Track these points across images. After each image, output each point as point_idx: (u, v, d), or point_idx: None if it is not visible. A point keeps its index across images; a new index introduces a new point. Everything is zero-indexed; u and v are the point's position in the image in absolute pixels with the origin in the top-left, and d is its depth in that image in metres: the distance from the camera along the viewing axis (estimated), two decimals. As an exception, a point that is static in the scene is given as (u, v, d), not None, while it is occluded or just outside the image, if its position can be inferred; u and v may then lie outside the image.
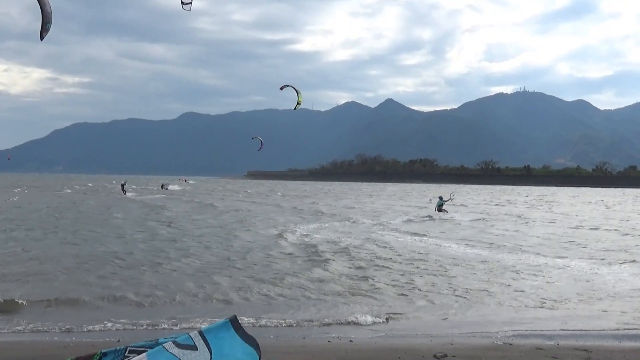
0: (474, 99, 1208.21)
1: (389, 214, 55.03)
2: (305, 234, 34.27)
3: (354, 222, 44.85)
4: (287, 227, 38.67)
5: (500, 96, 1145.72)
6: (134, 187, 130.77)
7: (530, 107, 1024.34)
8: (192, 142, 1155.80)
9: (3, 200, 67.92)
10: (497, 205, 76.56)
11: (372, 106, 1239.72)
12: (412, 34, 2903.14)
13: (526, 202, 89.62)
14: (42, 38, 12.65)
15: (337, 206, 68.79)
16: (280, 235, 32.90)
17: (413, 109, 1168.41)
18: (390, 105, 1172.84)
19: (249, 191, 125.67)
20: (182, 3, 13.86)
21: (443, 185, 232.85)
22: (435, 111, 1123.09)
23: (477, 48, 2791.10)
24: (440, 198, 54.30)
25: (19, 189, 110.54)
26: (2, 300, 15.17)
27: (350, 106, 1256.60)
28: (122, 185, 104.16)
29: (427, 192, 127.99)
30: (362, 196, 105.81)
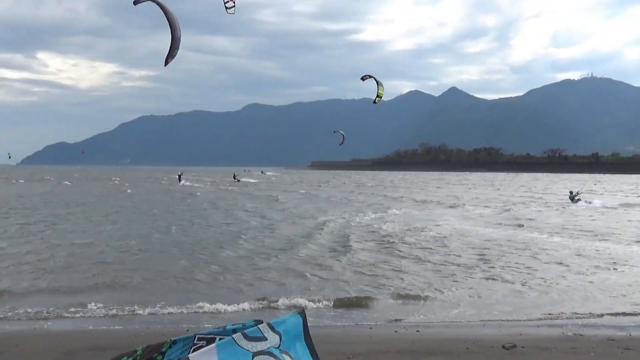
0: (539, 85, 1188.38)
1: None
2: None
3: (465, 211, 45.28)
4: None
5: (566, 82, 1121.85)
6: (217, 180, 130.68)
7: (598, 93, 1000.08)
8: (255, 134, 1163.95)
9: (118, 192, 70.23)
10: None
11: (436, 95, 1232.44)
12: (476, 21, 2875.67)
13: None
14: (166, 64, 12.52)
15: (441, 195, 69.97)
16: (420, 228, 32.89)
17: (477, 97, 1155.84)
18: (454, 93, 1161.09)
19: (333, 180, 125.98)
20: (226, 8, 13.74)
21: (511, 173, 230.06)
22: (500, 99, 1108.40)
23: (543, 34, 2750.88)
24: (571, 192, 57.82)
25: (117, 180, 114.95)
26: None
27: (414, 95, 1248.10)
28: (179, 176, 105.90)
29: (509, 182, 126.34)
30: (450, 185, 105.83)
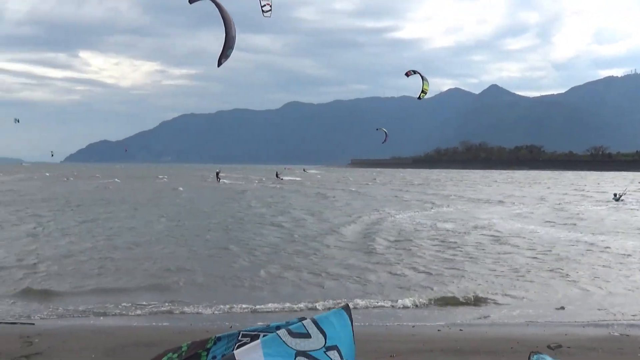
0: (581, 82, 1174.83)
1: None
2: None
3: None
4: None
5: (610, 79, 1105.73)
6: (264, 178, 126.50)
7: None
8: (295, 132, 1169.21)
9: (171, 191, 70.34)
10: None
11: (476, 92, 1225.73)
12: (517, 18, 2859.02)
13: None
14: (219, 64, 12.30)
15: (491, 193, 69.78)
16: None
17: (518, 95, 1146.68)
18: (494, 91, 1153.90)
19: (379, 178, 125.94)
20: (263, 12, 13.65)
21: (554, 171, 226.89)
22: (542, 96, 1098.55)
23: (585, 30, 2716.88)
24: (615, 195, 58.65)
25: (166, 178, 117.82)
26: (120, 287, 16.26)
27: (454, 93, 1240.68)
28: (217, 174, 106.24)
29: (555, 180, 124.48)
30: (498, 184, 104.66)
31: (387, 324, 12.67)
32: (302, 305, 14.17)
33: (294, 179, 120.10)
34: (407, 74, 23.95)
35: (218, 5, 11.88)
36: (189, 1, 11.82)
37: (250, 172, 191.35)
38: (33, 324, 12.01)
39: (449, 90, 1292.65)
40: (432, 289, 16.26)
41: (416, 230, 30.57)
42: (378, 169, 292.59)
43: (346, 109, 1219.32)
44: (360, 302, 14.42)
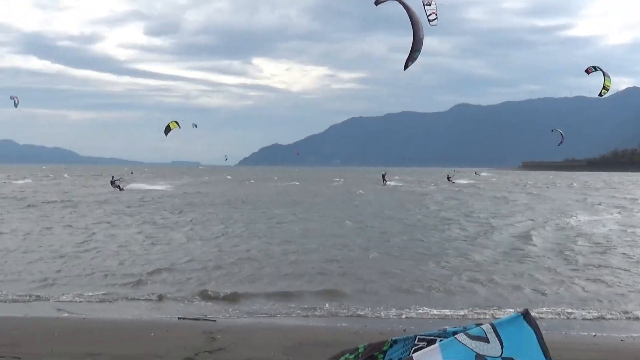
0: None
1: None
2: None
3: None
4: None
5: None
6: (439, 181, 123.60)
7: None
8: (464, 134, 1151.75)
9: (350, 194, 71.09)
10: None
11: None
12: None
13: None
14: (406, 67, 12.29)
15: None
16: None
17: None
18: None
19: (558, 182, 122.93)
20: (429, 21, 13.57)
21: None
22: None
23: None
24: None
25: (342, 180, 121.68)
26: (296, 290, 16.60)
27: (632, 91, 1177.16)
28: (383, 176, 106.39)
29: None
30: None
31: (571, 332, 12.36)
32: (480, 310, 14.06)
33: (469, 181, 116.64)
34: (587, 71, 23.30)
35: (406, 7, 11.91)
36: (375, 3, 11.96)
37: (419, 174, 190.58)
38: (215, 320, 12.63)
39: (627, 89, 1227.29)
40: (620, 299, 15.58)
41: (609, 236, 29.19)
42: (551, 172, 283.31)
43: (516, 110, 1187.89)
44: (542, 310, 14.08)
